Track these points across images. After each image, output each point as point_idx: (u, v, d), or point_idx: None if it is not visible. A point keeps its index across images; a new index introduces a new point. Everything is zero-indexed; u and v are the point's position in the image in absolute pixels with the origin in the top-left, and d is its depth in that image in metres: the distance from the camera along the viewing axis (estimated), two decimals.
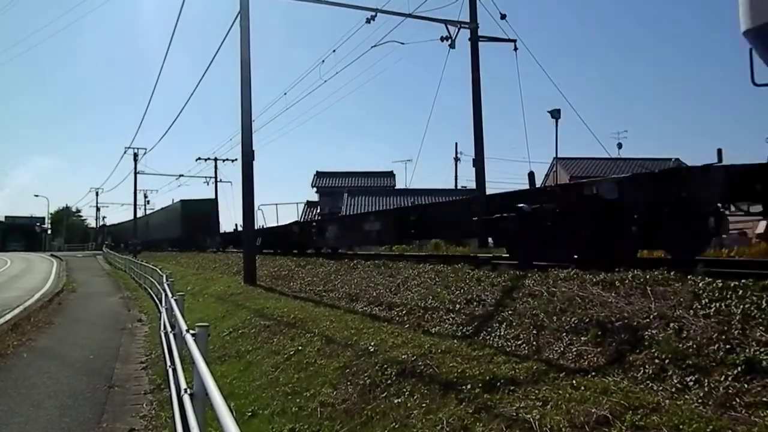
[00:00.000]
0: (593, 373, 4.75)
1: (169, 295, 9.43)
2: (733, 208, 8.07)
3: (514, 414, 4.29)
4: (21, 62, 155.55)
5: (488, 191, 18.85)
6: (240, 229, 25.87)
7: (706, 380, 4.15)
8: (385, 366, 5.95)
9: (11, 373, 8.74)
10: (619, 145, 40.93)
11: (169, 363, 7.18)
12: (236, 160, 48.36)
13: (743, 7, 7.21)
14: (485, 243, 15.51)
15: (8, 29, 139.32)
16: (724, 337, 4.46)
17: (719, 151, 7.45)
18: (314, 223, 23.43)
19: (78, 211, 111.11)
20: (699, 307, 4.99)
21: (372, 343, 6.71)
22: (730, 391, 3.94)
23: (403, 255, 14.71)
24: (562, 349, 5.43)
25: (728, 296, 4.99)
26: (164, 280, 12.38)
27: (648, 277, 5.94)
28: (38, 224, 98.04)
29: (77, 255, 63.46)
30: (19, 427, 6.41)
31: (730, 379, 4.04)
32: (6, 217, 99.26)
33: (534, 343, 5.77)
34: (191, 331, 4.52)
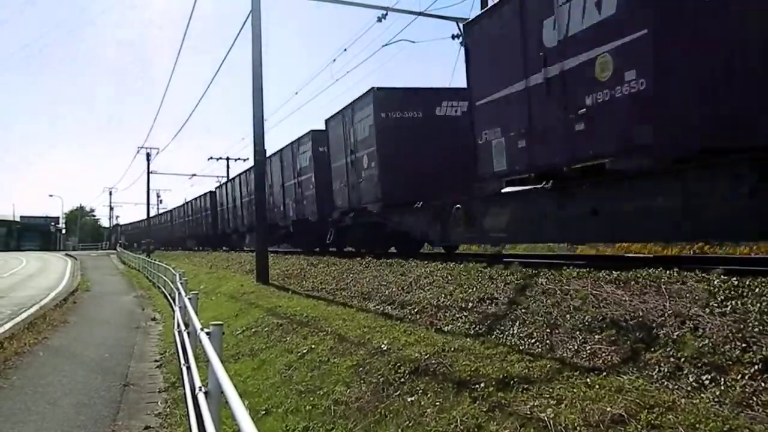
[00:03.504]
0: (608, 372, 4.72)
1: (183, 293, 9.49)
2: None
3: (528, 412, 4.27)
4: (33, 62, 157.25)
5: None
6: None
7: (722, 379, 4.12)
8: (398, 364, 5.95)
9: (27, 372, 8.83)
10: None
11: (183, 361, 7.23)
12: (248, 159, 48.76)
13: None
14: None
15: (20, 31, 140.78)
16: (740, 335, 4.42)
17: None
18: None
19: (92, 210, 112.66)
20: (715, 304, 4.95)
21: (385, 342, 6.72)
22: (746, 389, 3.90)
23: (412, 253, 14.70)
24: (576, 347, 5.40)
25: (744, 294, 4.94)
26: (177, 279, 12.46)
27: (663, 275, 5.90)
28: (53, 224, 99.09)
29: (91, 254, 64.05)
30: (35, 425, 6.48)
31: (746, 377, 4.00)
32: (21, 217, 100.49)
33: (547, 341, 5.75)
34: (206, 330, 4.54)
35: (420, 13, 18.40)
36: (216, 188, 38.11)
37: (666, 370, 4.48)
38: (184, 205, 48.29)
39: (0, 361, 9.24)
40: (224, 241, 34.71)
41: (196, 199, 42.96)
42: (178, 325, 8.99)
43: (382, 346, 6.61)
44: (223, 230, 34.32)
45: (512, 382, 4.83)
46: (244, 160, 50.63)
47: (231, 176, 45.48)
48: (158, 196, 69.01)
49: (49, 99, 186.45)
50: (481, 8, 18.79)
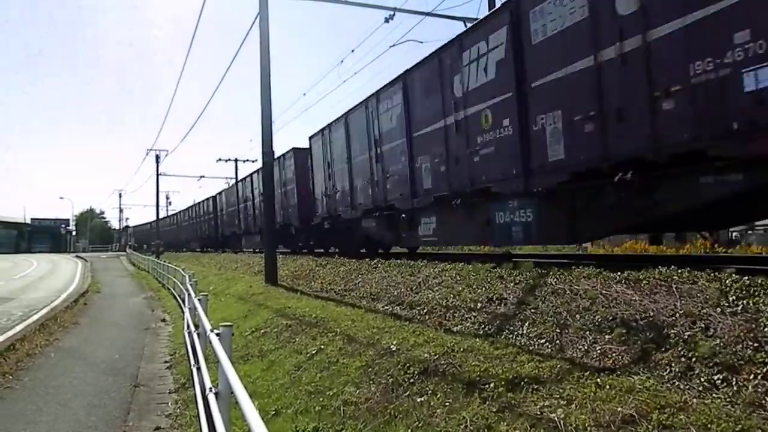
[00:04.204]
0: (618, 372, 4.70)
1: (192, 294, 9.52)
2: None
3: (539, 413, 4.26)
4: (35, 63, 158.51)
5: None
6: None
7: (734, 379, 4.09)
8: (408, 365, 5.95)
9: (39, 373, 8.89)
10: None
11: (193, 362, 7.26)
12: (256, 160, 48.94)
13: None
14: None
15: (20, 31, 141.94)
16: (752, 334, 4.39)
17: None
18: None
19: (101, 212, 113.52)
20: (726, 304, 4.91)
21: (394, 342, 6.71)
22: (759, 389, 3.87)
23: (421, 254, 14.69)
24: (586, 347, 5.38)
25: (756, 293, 4.90)
26: (187, 281, 12.51)
27: (673, 274, 5.86)
28: (63, 226, 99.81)
29: (101, 256, 64.48)
30: (47, 426, 6.52)
31: (759, 377, 3.98)
32: (32, 219, 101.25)
33: (557, 341, 5.72)
34: (215, 331, 4.56)
35: (427, 14, 18.42)
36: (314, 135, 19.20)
37: (677, 370, 4.46)
38: (240, 182, 32.57)
39: (12, 362, 9.31)
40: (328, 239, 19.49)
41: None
42: (188, 326, 9.02)
43: (392, 346, 6.61)
44: (333, 213, 17.63)
45: (522, 382, 4.82)
46: (253, 161, 50.75)
47: (242, 173, 43.41)
48: (167, 198, 69.43)
49: (55, 101, 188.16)
50: (489, 8, 18.81)
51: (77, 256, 60.41)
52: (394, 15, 17.96)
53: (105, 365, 9.67)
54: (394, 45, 19.39)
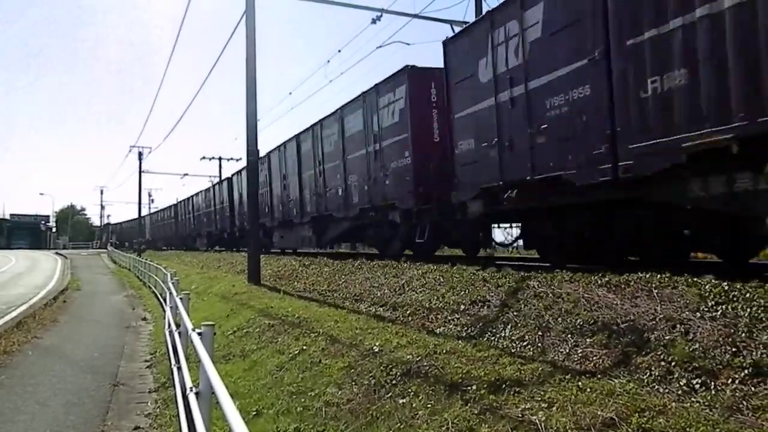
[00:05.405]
0: (599, 375, 4.74)
1: (174, 293, 9.44)
2: None
3: (520, 415, 4.28)
4: (32, 62, 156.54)
5: None
6: None
7: (712, 383, 4.14)
8: (390, 366, 5.95)
9: (17, 371, 8.77)
10: None
11: (174, 361, 7.20)
12: (240, 159, 48.65)
13: None
14: None
15: (18, 31, 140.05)
16: (730, 339, 4.45)
17: None
18: None
19: (82, 209, 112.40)
20: (705, 309, 4.98)
21: (377, 344, 6.71)
22: (737, 394, 3.92)
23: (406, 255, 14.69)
24: (567, 350, 5.42)
25: (735, 299, 4.97)
26: (169, 279, 12.41)
27: (654, 279, 5.92)
28: (43, 222, 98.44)
29: (81, 253, 63.70)
30: (25, 425, 6.43)
31: (737, 382, 4.03)
32: (11, 215, 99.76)
33: (539, 344, 5.76)
34: (197, 330, 4.53)
35: (415, 16, 18.46)
36: None
37: (657, 373, 4.50)
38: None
39: None
40: None
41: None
42: (169, 325, 8.95)
43: (374, 347, 6.61)
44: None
45: (504, 384, 4.84)
46: (237, 159, 50.44)
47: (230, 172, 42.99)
48: (150, 195, 68.74)
49: (44, 98, 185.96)
50: (476, 12, 18.88)
51: (57, 253, 59.63)
52: (381, 16, 17.97)
53: (84, 363, 9.56)
54: (380, 46, 19.46)
